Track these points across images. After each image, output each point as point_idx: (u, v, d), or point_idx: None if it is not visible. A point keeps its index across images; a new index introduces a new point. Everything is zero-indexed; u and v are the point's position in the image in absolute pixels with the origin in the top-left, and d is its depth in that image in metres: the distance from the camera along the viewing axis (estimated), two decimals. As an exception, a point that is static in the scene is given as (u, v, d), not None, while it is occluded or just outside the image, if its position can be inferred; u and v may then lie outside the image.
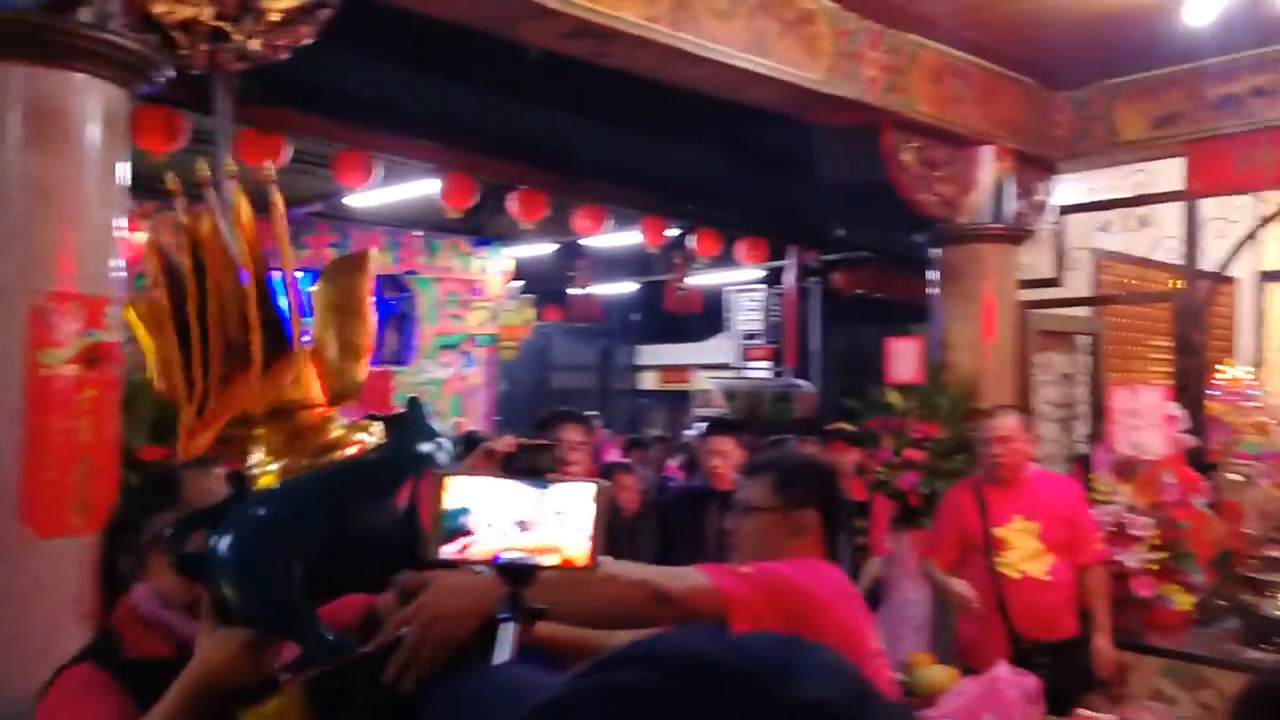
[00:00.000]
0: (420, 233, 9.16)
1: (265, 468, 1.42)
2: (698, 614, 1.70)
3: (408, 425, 1.51)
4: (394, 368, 9.08)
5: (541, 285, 11.24)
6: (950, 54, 5.14)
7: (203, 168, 1.42)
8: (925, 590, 5.47)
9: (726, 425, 4.76)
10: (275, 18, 3.05)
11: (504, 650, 1.32)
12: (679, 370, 15.20)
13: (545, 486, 1.34)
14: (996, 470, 4.27)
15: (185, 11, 2.88)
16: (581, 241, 10.08)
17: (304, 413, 1.44)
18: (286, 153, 6.09)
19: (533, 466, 2.27)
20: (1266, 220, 5.64)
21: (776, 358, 11.77)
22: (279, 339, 1.43)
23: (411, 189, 7.93)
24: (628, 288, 14.33)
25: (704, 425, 4.82)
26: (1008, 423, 4.33)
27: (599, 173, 7.80)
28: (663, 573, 1.75)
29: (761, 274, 11.67)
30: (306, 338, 1.45)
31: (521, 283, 9.75)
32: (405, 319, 9.22)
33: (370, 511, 1.42)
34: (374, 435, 1.48)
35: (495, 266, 9.65)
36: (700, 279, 11.12)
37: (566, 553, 1.34)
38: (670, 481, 7.10)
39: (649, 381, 16.36)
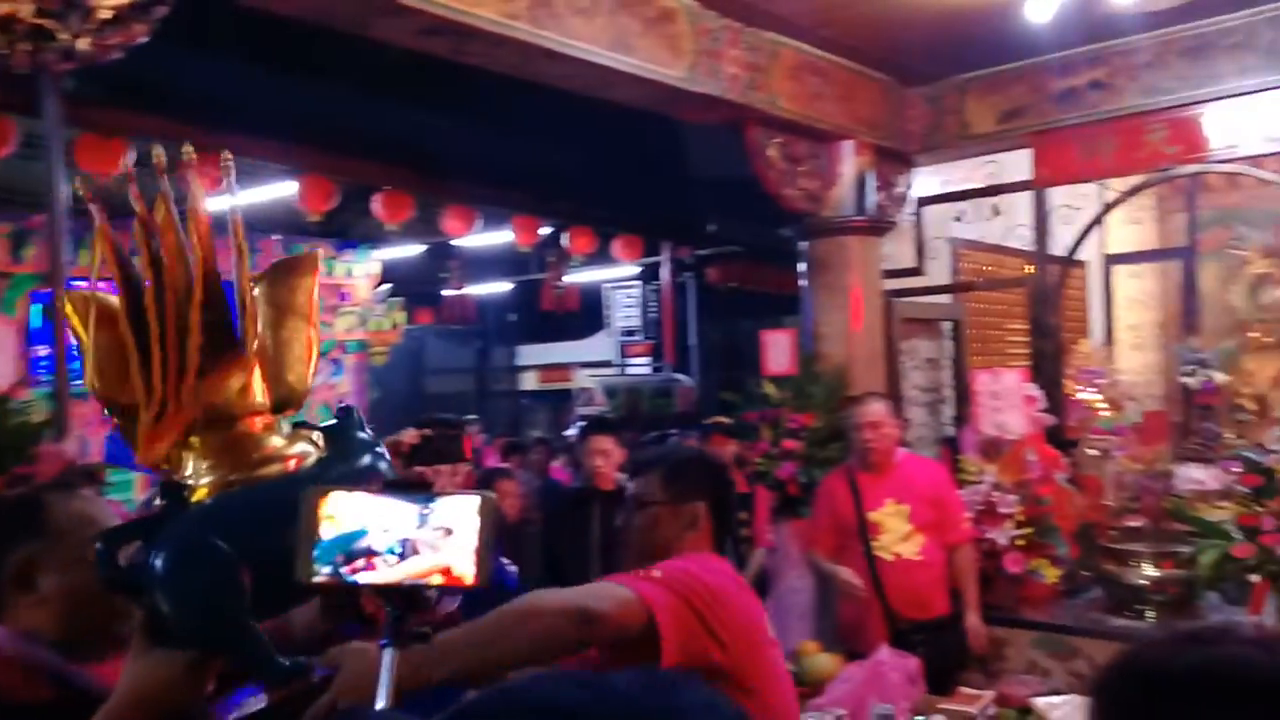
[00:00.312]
0: (279, 237, 8.83)
1: (201, 479, 1.35)
2: (628, 628, 1.67)
3: (345, 437, 1.46)
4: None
5: (412, 288, 11.00)
6: (809, 52, 5.23)
7: (159, 153, 1.33)
8: (808, 578, 5.57)
9: (605, 424, 4.73)
10: (105, 15, 2.85)
11: (385, 676, 1.26)
12: (559, 369, 15.11)
13: (427, 501, 1.28)
14: (868, 456, 4.37)
15: (1, 9, 2.66)
16: (452, 242, 9.91)
17: (244, 421, 1.37)
18: (129, 157, 5.77)
19: (442, 453, 2.20)
20: (1109, 206, 5.94)
21: (656, 353, 11.82)
22: (227, 341, 1.35)
23: (267, 191, 7.64)
24: (503, 287, 14.18)
25: (583, 425, 4.78)
26: (876, 409, 4.44)
27: (467, 171, 7.67)
28: (582, 594, 1.70)
29: (638, 270, 11.71)
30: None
31: (389, 286, 9.51)
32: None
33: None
34: (313, 448, 1.42)
35: (361, 270, 9.38)
36: (577, 277, 11.08)
37: (453, 571, 1.28)
38: (557, 484, 7.04)
39: (529, 382, 16.23)
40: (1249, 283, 8.58)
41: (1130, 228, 8.67)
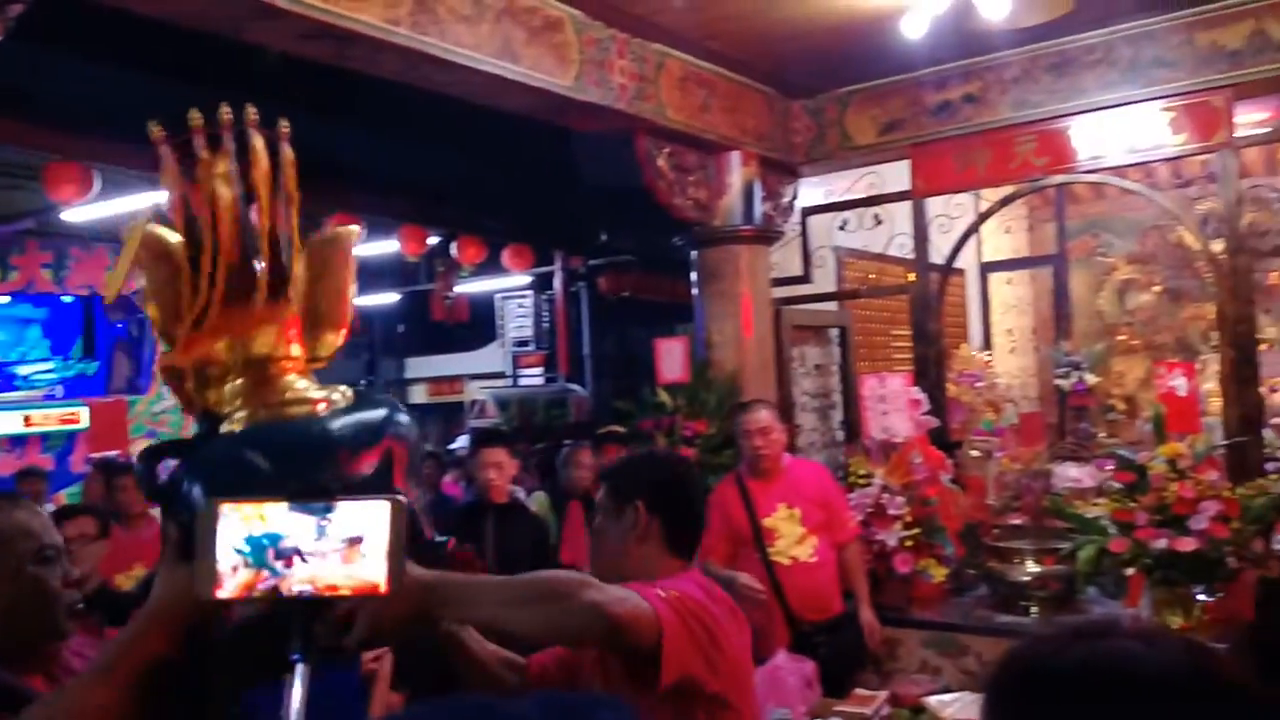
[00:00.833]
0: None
1: (236, 414, 1.48)
2: (641, 642, 1.63)
3: (368, 394, 1.59)
4: (127, 396, 8.33)
5: (295, 300, 10.66)
6: (695, 63, 5.28)
7: (224, 111, 1.52)
8: (703, 584, 5.60)
9: (497, 436, 4.67)
10: (-45, 15, 2.68)
11: (296, 692, 1.21)
12: (449, 381, 14.86)
13: (326, 511, 1.24)
14: (759, 462, 4.42)
15: None
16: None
17: (277, 365, 1.51)
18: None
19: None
20: (983, 216, 6.15)
21: (549, 364, 11.74)
22: (279, 283, 1.52)
23: (137, 201, 7.30)
24: (390, 298, 13.90)
25: (474, 438, 4.71)
26: (764, 415, 4.49)
27: (352, 179, 7.49)
28: (614, 599, 1.60)
29: (530, 280, 11.62)
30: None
31: (272, 299, 9.20)
32: (138, 343, 8.48)
33: (332, 467, 1.44)
34: (340, 399, 1.53)
35: (242, 283, 9.05)
36: (467, 287, 10.92)
37: (363, 580, 1.24)
38: (448, 499, 6.91)
39: (418, 395, 15.93)
40: (1116, 288, 9.04)
41: (1004, 236, 9.03)
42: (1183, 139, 5.05)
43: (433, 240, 8.83)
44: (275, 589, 1.23)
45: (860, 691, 3.73)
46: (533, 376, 12.00)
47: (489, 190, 7.71)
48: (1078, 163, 5.34)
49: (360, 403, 1.54)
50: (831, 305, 6.73)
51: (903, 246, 6.14)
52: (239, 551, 1.23)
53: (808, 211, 6.39)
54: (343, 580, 1.24)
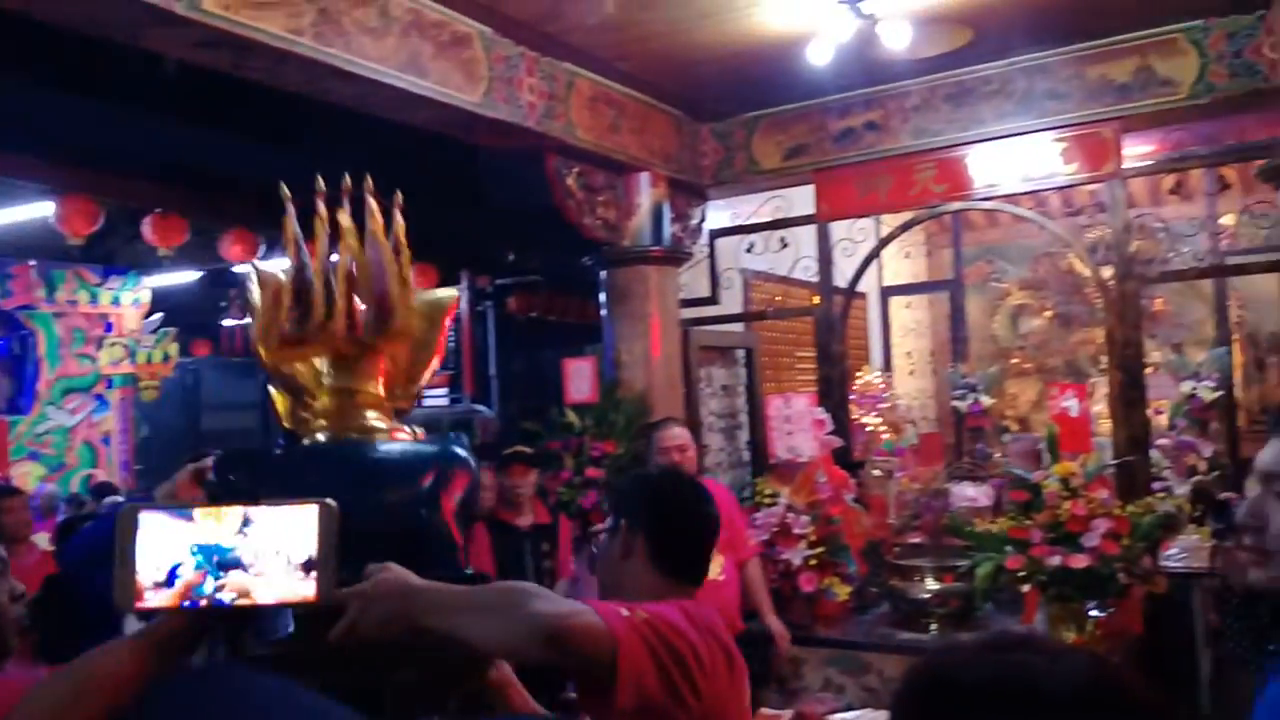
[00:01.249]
0: (35, 262, 8.07)
1: (317, 434, 1.71)
2: (592, 658, 1.56)
3: (438, 432, 1.81)
4: (8, 416, 7.91)
5: (187, 317, 10.28)
6: (605, 84, 5.29)
7: (346, 181, 1.85)
8: (608, 608, 5.56)
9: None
10: None
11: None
12: (350, 402, 14.56)
13: (245, 523, 1.17)
14: None
15: None
16: (233, 268, 9.36)
17: (360, 397, 1.74)
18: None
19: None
20: (884, 241, 6.30)
21: (454, 384, 11.59)
22: (377, 329, 1.75)
23: (21, 212, 6.96)
24: (289, 317, 13.53)
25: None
26: (681, 432, 4.50)
27: (250, 193, 7.26)
28: (564, 614, 1.55)
29: (433, 299, 11.46)
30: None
31: (161, 315, 8.87)
32: (20, 361, 8.08)
33: (399, 491, 1.61)
34: (409, 435, 1.76)
35: (129, 298, 8.71)
36: (368, 306, 10.73)
37: (290, 588, 1.17)
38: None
39: (317, 416, 15.53)
40: (1009, 313, 9.37)
41: (904, 261, 9.28)
42: (1074, 169, 5.26)
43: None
44: (207, 599, 1.16)
45: (765, 711, 3.73)
46: (437, 397, 11.84)
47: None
48: (974, 190, 5.52)
49: (428, 440, 1.76)
50: (738, 326, 6.79)
51: (807, 269, 6.25)
52: (160, 561, 1.18)
53: (715, 234, 6.46)
54: (268, 590, 1.18)
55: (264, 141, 6.44)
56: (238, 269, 9.07)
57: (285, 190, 1.83)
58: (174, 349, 8.89)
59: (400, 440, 1.73)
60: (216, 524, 1.21)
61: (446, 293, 1.99)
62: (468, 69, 4.43)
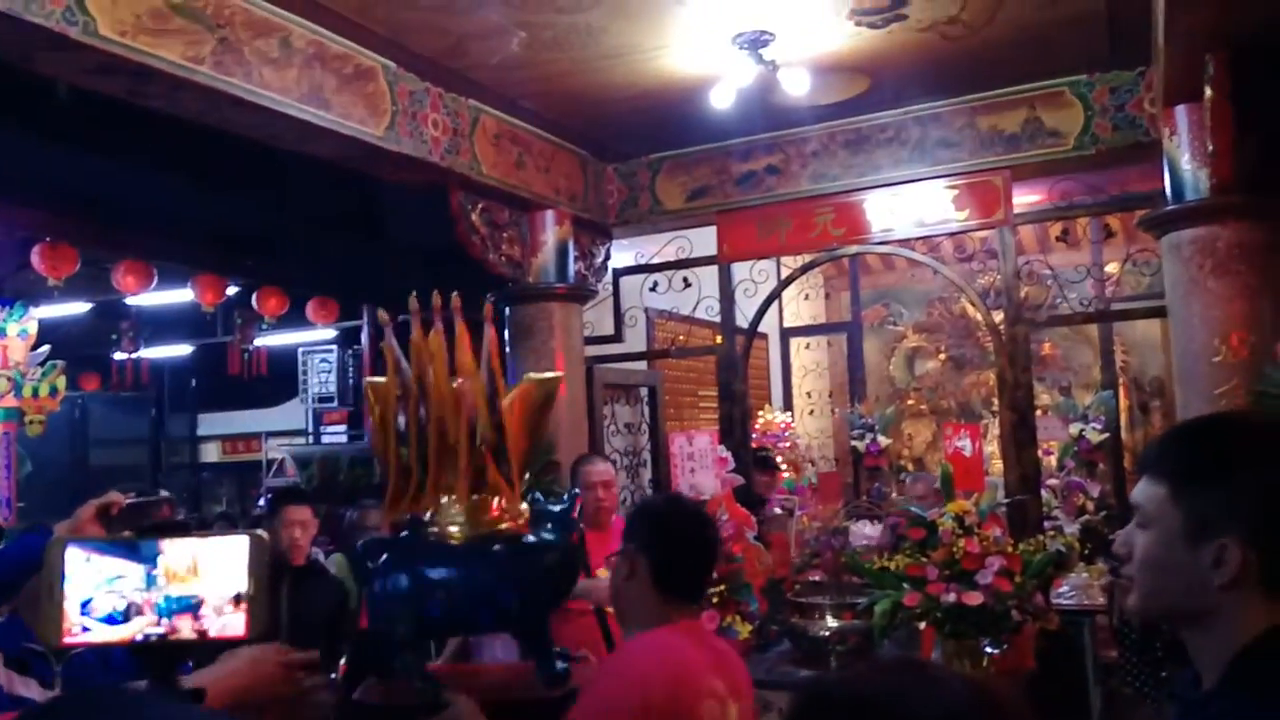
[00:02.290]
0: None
1: (454, 525, 2.02)
2: None
3: (539, 511, 2.09)
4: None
5: (76, 350, 9.87)
6: (510, 121, 5.30)
7: (436, 298, 2.06)
8: (513, 649, 5.44)
9: (298, 494, 4.41)
10: None
11: None
12: (246, 439, 14.08)
13: (153, 557, 1.12)
14: (599, 514, 4.39)
15: None
16: (125, 300, 9.03)
17: (484, 493, 2.04)
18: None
19: (146, 523, 2.22)
20: (784, 282, 6.42)
21: (354, 421, 11.33)
22: (485, 436, 2.02)
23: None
24: (182, 350, 13.10)
25: (273, 496, 4.43)
26: (606, 468, 4.50)
27: (145, 224, 7.02)
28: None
29: (335, 334, 11.22)
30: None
31: (49, 347, 8.48)
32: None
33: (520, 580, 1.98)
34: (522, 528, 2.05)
35: (16, 330, 8.30)
36: (269, 339, 10.44)
37: (218, 621, 1.11)
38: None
39: (211, 453, 14.99)
40: (905, 355, 9.62)
41: (804, 303, 9.47)
42: (965, 215, 5.46)
43: (232, 290, 8.40)
44: (133, 635, 1.11)
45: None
46: (337, 434, 11.57)
47: (294, 240, 7.40)
48: (871, 234, 5.67)
49: (534, 519, 2.07)
50: (642, 365, 6.82)
51: (710, 309, 6.32)
52: (87, 596, 1.14)
53: (620, 272, 6.49)
54: (192, 623, 1.13)
55: (162, 171, 6.27)
56: (131, 300, 8.77)
57: (384, 315, 2.09)
58: (61, 382, 8.49)
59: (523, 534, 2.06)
60: (142, 557, 1.15)
61: (550, 379, 2.17)
62: (371, 102, 4.39)
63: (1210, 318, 4.55)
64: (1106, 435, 6.94)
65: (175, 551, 1.18)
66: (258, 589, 1.16)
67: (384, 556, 2.02)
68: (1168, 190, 4.77)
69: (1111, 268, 7.05)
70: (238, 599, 1.16)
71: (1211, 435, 1.28)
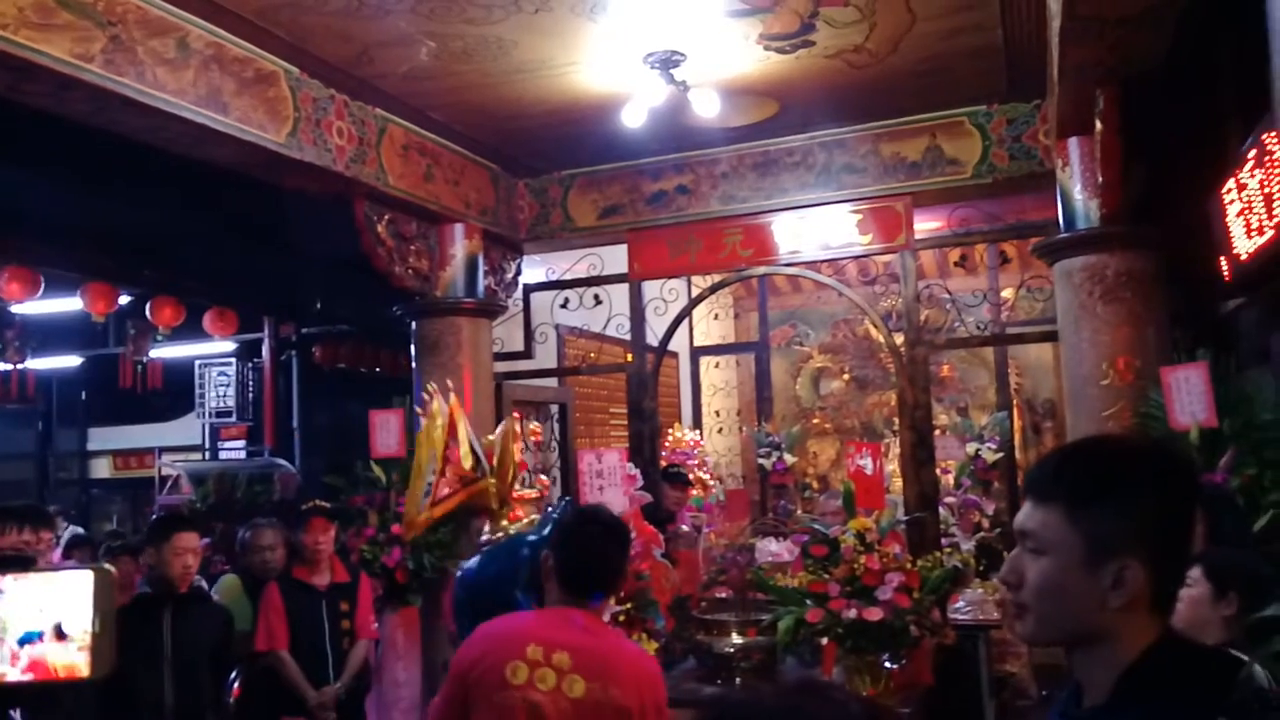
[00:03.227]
0: None
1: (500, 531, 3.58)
2: None
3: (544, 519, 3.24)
4: None
5: (-46, 361, 9.37)
6: (419, 132, 5.23)
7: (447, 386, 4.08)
8: (415, 670, 5.34)
9: (186, 520, 4.21)
10: None
11: None
12: (139, 454, 13.53)
13: (18, 584, 1.03)
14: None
15: None
16: (10, 309, 8.60)
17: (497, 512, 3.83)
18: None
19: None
20: (694, 301, 6.46)
21: (253, 436, 10.99)
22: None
23: None
24: (71, 362, 12.55)
25: (158, 521, 4.22)
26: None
27: (30, 229, 6.71)
28: None
29: (235, 347, 10.88)
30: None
31: (-75, 358, 8.04)
32: None
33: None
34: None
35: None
36: (163, 351, 10.08)
37: (66, 661, 1.03)
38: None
39: (102, 469, 14.36)
40: (811, 375, 9.77)
41: (714, 323, 9.54)
42: (869, 239, 5.57)
43: (124, 299, 8.07)
44: None
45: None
46: (234, 450, 11.20)
47: (192, 248, 7.15)
48: (779, 256, 5.74)
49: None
50: (552, 381, 6.78)
51: (621, 327, 6.32)
52: None
53: (530, 288, 6.45)
54: (37, 664, 1.04)
55: (49, 174, 6.00)
56: (15, 309, 8.36)
57: (434, 387, 2.63)
58: (-63, 395, 8.05)
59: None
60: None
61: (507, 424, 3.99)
62: (272, 107, 4.28)
63: (1099, 342, 4.71)
64: (1001, 455, 7.15)
65: (17, 589, 1.10)
66: (103, 627, 1.09)
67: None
68: (1060, 219, 4.93)
69: (1007, 293, 7.29)
70: (82, 636, 1.08)
71: (1104, 457, 1.28)
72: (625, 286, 6.17)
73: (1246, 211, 3.34)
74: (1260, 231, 3.23)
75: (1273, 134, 2.97)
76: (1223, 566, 2.39)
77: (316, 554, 4.41)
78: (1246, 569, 2.47)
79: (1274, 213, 3.07)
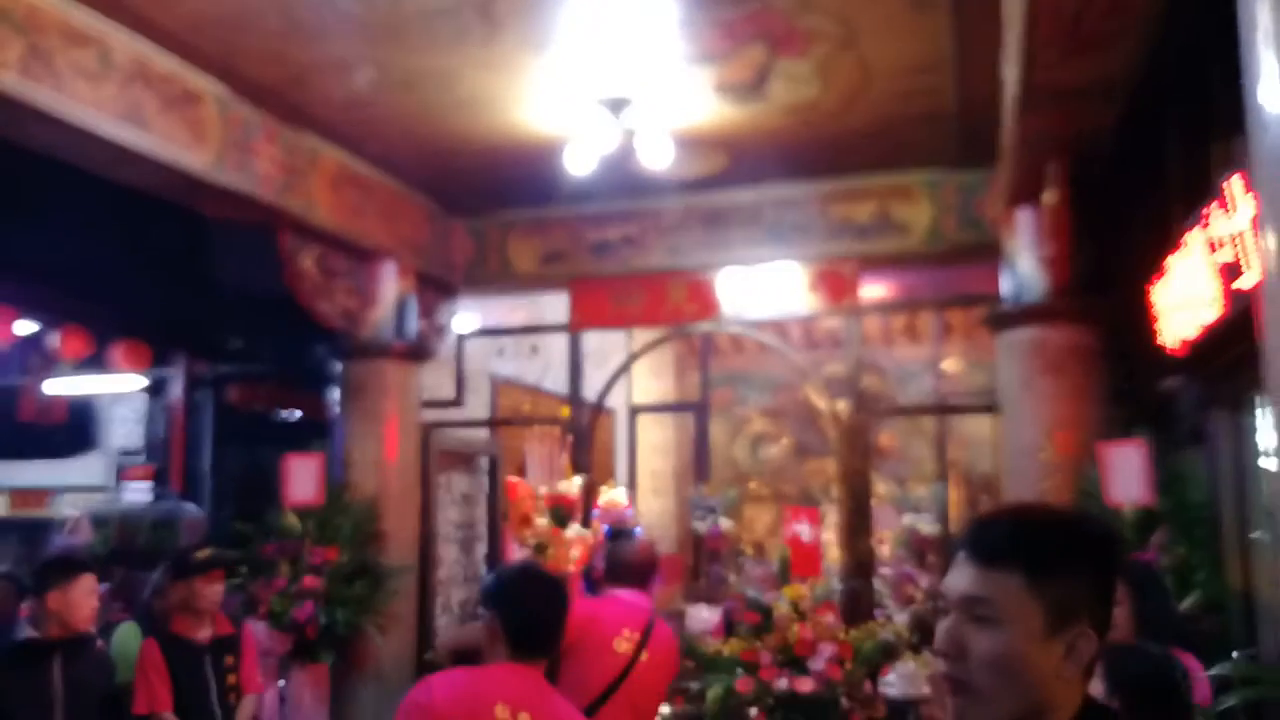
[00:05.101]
0: None
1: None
2: None
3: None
4: None
5: None
6: (352, 163, 5.02)
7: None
8: (321, 731, 4.99)
9: (83, 564, 3.88)
10: None
11: None
12: (35, 493, 12.83)
13: None
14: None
15: None
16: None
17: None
18: None
19: None
20: (634, 356, 6.30)
21: (159, 478, 10.46)
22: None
23: None
24: (-29, 393, 11.92)
25: (54, 565, 3.92)
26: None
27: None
28: None
29: (144, 383, 10.41)
30: None
31: None
32: None
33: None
34: None
35: None
36: (66, 385, 9.59)
37: None
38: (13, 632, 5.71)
39: (-4, 507, 13.60)
40: (750, 439, 9.63)
41: (653, 380, 9.37)
42: (815, 300, 5.47)
43: (26, 327, 7.64)
44: None
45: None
46: (139, 492, 10.64)
47: (102, 275, 6.76)
48: (723, 314, 5.61)
49: None
50: (483, 432, 6.52)
51: (557, 379, 6.12)
52: None
53: (464, 335, 6.21)
54: None
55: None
56: None
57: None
58: None
59: None
60: None
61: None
62: (196, 129, 4.04)
63: (1039, 416, 4.65)
64: (938, 527, 7.05)
65: None
66: None
67: None
68: (1007, 290, 4.89)
69: (949, 364, 7.26)
70: None
71: (1058, 524, 1.24)
72: (563, 337, 5.98)
73: (1186, 294, 3.29)
74: (1200, 314, 3.19)
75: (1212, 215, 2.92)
76: (1115, 666, 2.31)
77: (205, 607, 4.06)
78: (1135, 671, 2.41)
79: (1213, 295, 3.02)
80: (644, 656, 3.37)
